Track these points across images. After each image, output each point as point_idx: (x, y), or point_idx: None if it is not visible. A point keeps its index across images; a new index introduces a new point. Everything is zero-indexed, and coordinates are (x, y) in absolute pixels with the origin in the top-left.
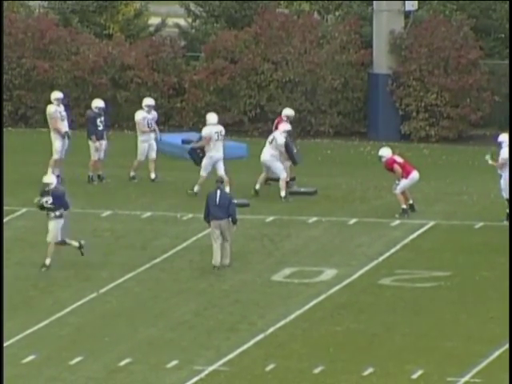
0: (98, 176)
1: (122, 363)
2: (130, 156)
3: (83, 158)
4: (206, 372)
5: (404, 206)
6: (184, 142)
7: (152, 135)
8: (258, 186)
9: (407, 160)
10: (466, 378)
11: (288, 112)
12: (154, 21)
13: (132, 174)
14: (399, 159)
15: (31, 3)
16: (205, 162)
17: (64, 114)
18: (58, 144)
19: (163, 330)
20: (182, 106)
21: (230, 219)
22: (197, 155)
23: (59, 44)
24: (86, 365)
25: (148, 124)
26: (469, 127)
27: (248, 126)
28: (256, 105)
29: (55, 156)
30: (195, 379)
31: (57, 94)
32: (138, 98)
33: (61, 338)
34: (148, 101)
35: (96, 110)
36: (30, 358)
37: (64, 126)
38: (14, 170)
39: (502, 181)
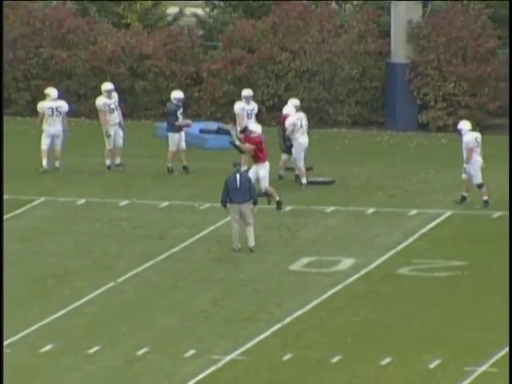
0: (184, 167)
1: (140, 352)
2: (147, 146)
3: (99, 147)
4: (224, 361)
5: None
6: (202, 131)
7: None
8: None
9: None
10: (484, 368)
11: (295, 102)
12: (172, 10)
13: (244, 167)
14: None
15: None
16: (42, 136)
17: (113, 106)
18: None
19: (181, 320)
20: (200, 95)
21: (252, 201)
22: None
23: (77, 33)
24: (104, 354)
25: (248, 115)
26: (486, 116)
27: (266, 115)
28: (274, 94)
29: (108, 146)
30: (212, 368)
31: (106, 86)
32: (156, 87)
33: (78, 327)
34: (246, 92)
35: (175, 102)
36: (48, 347)
37: (113, 118)
38: (32, 159)
39: (471, 168)
